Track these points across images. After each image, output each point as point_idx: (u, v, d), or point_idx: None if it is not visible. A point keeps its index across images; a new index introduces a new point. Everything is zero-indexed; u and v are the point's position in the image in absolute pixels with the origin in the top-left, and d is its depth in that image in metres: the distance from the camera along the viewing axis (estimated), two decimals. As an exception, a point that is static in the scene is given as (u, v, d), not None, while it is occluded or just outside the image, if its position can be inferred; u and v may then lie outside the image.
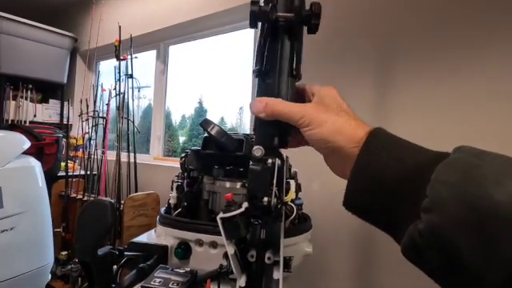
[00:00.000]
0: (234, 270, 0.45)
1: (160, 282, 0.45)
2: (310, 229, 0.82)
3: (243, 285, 0.44)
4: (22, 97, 2.48)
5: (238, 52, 2.20)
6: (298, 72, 0.46)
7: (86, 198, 2.12)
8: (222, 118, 2.55)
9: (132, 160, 2.04)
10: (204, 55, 2.36)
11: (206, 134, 0.71)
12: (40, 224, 1.05)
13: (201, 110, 2.66)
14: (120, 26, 2.07)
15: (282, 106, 0.37)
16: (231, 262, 0.45)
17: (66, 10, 2.99)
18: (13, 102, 2.44)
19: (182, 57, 2.47)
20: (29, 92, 2.52)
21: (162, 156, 2.47)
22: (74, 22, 2.90)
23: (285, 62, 0.45)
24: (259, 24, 0.47)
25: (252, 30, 1.85)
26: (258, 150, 0.44)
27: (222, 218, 0.45)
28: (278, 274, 0.44)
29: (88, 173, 2.20)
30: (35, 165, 1.06)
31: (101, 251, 0.47)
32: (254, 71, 0.49)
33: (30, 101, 2.53)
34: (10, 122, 2.40)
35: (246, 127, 2.23)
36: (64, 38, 2.66)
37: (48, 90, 2.75)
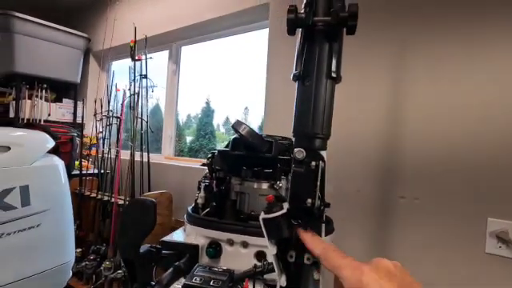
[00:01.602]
0: (275, 269, 0.46)
1: (201, 280, 0.46)
2: (332, 231, 0.83)
3: (284, 284, 0.45)
4: (37, 96, 2.52)
5: (247, 53, 2.22)
6: (337, 74, 0.47)
7: (99, 197, 2.15)
8: (227, 118, 2.57)
9: (145, 159, 2.06)
10: (213, 56, 2.38)
11: (234, 135, 0.72)
12: (63, 221, 1.07)
13: (208, 110, 2.68)
14: (135, 27, 2.09)
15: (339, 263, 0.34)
16: (273, 262, 0.46)
17: (80, 11, 3.03)
18: (28, 101, 2.49)
19: (191, 57, 2.49)
20: (43, 91, 2.56)
21: (172, 156, 2.49)
22: (88, 22, 2.94)
23: (322, 64, 0.46)
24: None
25: (265, 31, 1.86)
26: (299, 153, 0.45)
27: (264, 219, 0.46)
28: (317, 275, 0.45)
29: (102, 171, 2.23)
30: (59, 163, 1.09)
31: (142, 249, 0.48)
32: (293, 75, 0.50)
33: (45, 100, 2.57)
34: (25, 121, 2.45)
35: (251, 127, 2.23)
36: (78, 38, 2.70)
37: (62, 90, 2.79)
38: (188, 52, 2.48)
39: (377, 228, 1.31)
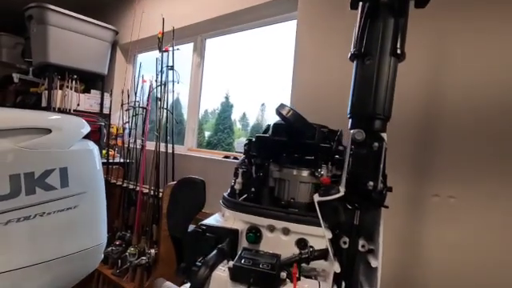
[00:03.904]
0: (330, 255, 0.45)
1: (249, 262, 0.45)
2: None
3: (338, 270, 0.44)
4: (67, 86, 2.62)
5: (267, 49, 2.20)
6: (402, 51, 0.44)
7: (125, 185, 2.21)
8: (244, 114, 2.57)
9: (170, 150, 2.10)
10: (234, 51, 2.38)
11: (275, 121, 0.71)
12: (97, 204, 1.11)
13: (227, 105, 2.69)
14: (163, 19, 2.12)
15: None
16: (328, 247, 0.44)
17: (107, 3, 3.11)
18: (59, 91, 2.59)
19: (213, 51, 2.49)
20: (73, 82, 2.65)
21: (195, 147, 2.52)
22: (115, 15, 3.01)
23: (387, 41, 0.43)
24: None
25: (292, 23, 1.82)
26: (358, 134, 0.43)
27: (320, 202, 0.44)
28: (375, 262, 0.43)
29: (128, 161, 2.29)
30: (93, 148, 1.12)
31: (189, 228, 0.48)
32: (351, 55, 0.48)
33: (75, 90, 2.66)
34: (56, 110, 2.55)
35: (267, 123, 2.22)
36: (107, 30, 2.77)
37: (90, 81, 2.88)
38: (211, 45, 2.49)
39: (406, 228, 1.25)
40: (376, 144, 0.40)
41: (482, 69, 1.11)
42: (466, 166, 1.12)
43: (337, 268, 0.42)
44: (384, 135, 0.43)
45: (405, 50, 0.44)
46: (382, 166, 0.40)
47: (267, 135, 0.70)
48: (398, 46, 0.43)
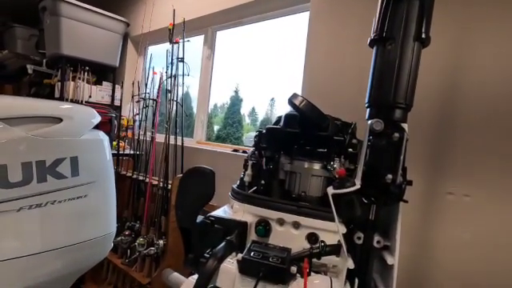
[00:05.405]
0: (344, 251, 0.43)
1: (259, 255, 0.44)
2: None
3: (352, 267, 0.42)
4: (79, 78, 2.64)
5: (276, 43, 2.16)
6: (427, 35, 0.41)
7: (134, 176, 2.24)
8: (253, 109, 2.55)
9: (179, 143, 2.10)
10: (243, 44, 2.35)
11: (287, 112, 0.68)
12: (107, 194, 1.12)
13: (236, 99, 2.67)
14: (174, 10, 2.10)
15: None
16: (342, 242, 0.42)
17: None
18: (72, 83, 2.62)
19: (223, 44, 2.47)
20: (85, 74, 2.68)
21: (204, 140, 2.52)
22: (126, 6, 3.02)
23: (410, 24, 0.40)
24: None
25: (303, 15, 1.78)
26: (377, 124, 0.41)
27: (334, 195, 0.42)
28: (392, 260, 0.41)
29: (137, 153, 2.31)
30: (104, 138, 1.13)
31: (197, 219, 0.47)
32: (370, 40, 0.45)
33: (86, 82, 2.69)
34: (69, 102, 2.58)
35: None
36: (118, 22, 2.78)
37: (101, 73, 2.91)
38: (221, 39, 2.47)
39: (419, 226, 1.22)
40: (397, 135, 0.37)
41: (500, 65, 1.05)
42: (481, 165, 1.08)
43: (351, 264, 0.40)
44: (405, 126, 0.41)
45: (430, 35, 0.40)
46: (402, 158, 0.38)
47: (278, 126, 0.68)
48: (423, 30, 0.40)
